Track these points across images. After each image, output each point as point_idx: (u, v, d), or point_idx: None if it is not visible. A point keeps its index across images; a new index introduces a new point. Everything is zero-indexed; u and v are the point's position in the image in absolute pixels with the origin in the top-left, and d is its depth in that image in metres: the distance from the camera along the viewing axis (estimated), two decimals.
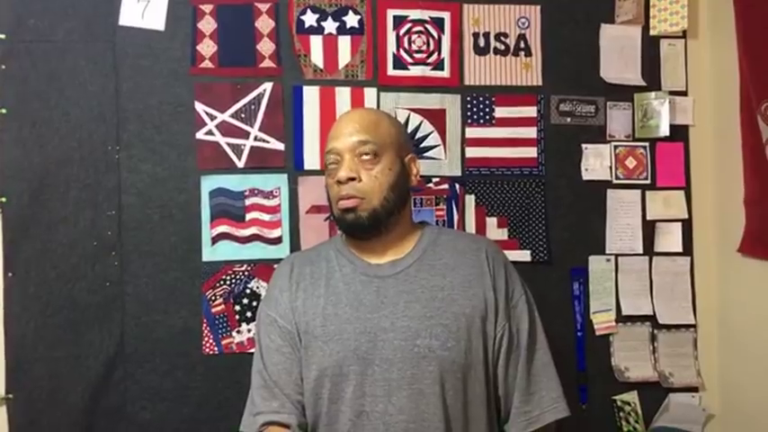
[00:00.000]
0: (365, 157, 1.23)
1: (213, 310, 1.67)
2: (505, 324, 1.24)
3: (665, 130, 1.81)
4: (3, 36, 1.60)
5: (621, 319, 1.80)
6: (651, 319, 1.81)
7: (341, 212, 1.25)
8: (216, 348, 1.66)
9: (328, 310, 1.22)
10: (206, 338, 1.66)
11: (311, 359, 1.21)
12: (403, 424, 1.16)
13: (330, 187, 1.28)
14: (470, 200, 1.77)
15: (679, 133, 1.84)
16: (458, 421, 1.19)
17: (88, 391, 1.60)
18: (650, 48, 1.85)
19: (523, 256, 1.77)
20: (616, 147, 1.83)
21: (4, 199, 1.59)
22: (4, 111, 1.59)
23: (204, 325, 1.66)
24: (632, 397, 1.78)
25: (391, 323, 1.19)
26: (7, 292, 1.59)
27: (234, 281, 1.68)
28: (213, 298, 1.67)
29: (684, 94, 1.85)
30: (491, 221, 1.78)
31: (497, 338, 1.24)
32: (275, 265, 1.66)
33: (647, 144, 1.84)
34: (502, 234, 1.78)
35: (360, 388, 1.17)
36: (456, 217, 1.76)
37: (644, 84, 1.83)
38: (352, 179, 1.22)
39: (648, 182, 1.83)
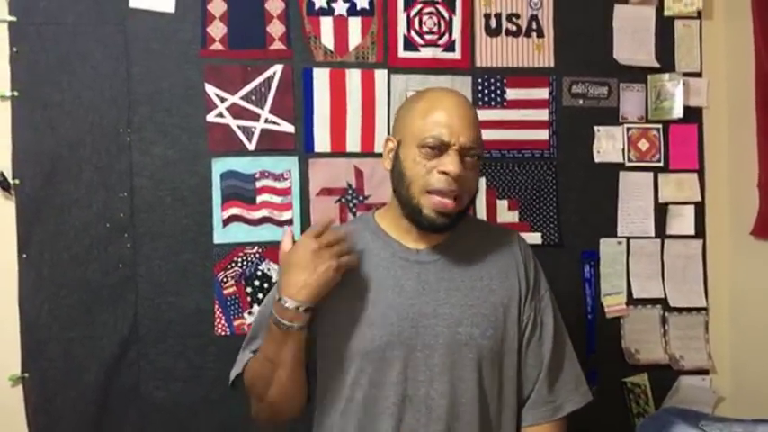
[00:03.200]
0: (470, 160, 1.18)
1: (225, 291, 1.68)
2: (531, 313, 1.26)
3: (678, 112, 1.79)
4: (14, 19, 1.60)
5: (632, 301, 1.80)
6: (662, 302, 1.81)
7: (432, 211, 1.17)
8: (228, 329, 1.68)
9: (369, 295, 1.21)
10: (218, 319, 1.67)
11: (351, 343, 1.20)
12: (444, 407, 1.17)
13: (419, 167, 1.17)
14: (481, 182, 1.77)
15: (693, 115, 1.82)
16: (493, 405, 1.21)
17: (102, 370, 1.62)
18: (664, 28, 1.83)
19: (534, 238, 1.76)
20: (629, 129, 1.81)
21: (17, 181, 1.60)
22: (15, 93, 1.60)
23: (216, 306, 1.68)
24: (642, 379, 1.79)
25: (433, 309, 1.19)
26: (21, 273, 1.60)
27: (245, 263, 1.69)
28: (225, 280, 1.68)
29: (699, 75, 1.83)
30: (502, 204, 1.78)
31: (523, 326, 1.25)
32: None
33: (660, 126, 1.82)
34: (513, 217, 1.77)
35: (403, 373, 1.18)
36: None
37: (657, 65, 1.82)
38: (461, 176, 1.16)
39: (661, 164, 1.82)
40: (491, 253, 1.27)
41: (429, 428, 1.17)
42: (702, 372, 1.82)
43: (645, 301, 1.81)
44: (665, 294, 1.81)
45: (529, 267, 1.28)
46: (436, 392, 1.18)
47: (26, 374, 1.60)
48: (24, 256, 1.60)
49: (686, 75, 1.81)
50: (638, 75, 1.81)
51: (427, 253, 1.24)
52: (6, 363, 1.59)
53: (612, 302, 1.79)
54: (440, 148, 1.16)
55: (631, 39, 1.81)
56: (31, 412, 1.60)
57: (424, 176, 1.17)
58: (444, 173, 1.15)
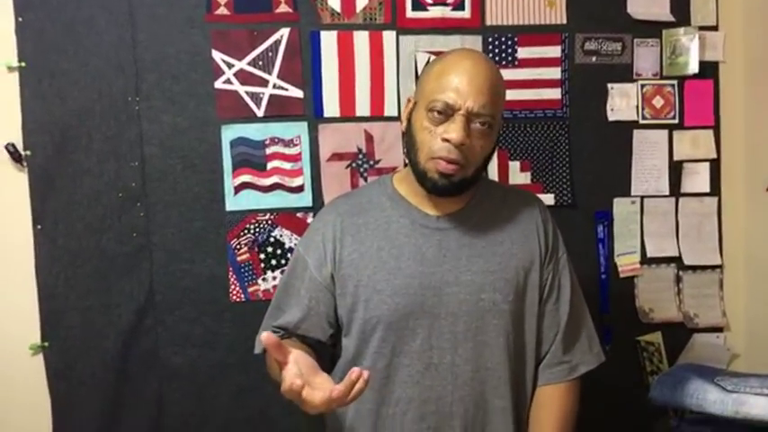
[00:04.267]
0: (479, 127, 1.14)
1: (238, 258, 1.69)
2: (549, 276, 1.26)
3: (694, 68, 1.75)
4: None
5: (646, 260, 1.80)
6: (676, 260, 1.80)
7: (435, 173, 1.15)
8: (242, 296, 1.69)
9: (391, 264, 1.20)
10: (232, 286, 1.69)
11: (372, 312, 1.20)
12: (470, 373, 1.19)
13: (426, 132, 1.15)
14: None
15: (709, 70, 1.79)
16: (516, 368, 1.23)
17: (120, 338, 1.64)
18: None
19: (547, 199, 1.75)
20: (643, 86, 1.78)
21: (28, 152, 1.60)
22: (23, 64, 1.59)
23: (230, 273, 1.69)
24: (656, 337, 1.79)
25: (455, 277, 1.19)
26: (37, 244, 1.62)
27: (258, 230, 1.70)
28: (238, 247, 1.69)
29: (715, 28, 1.79)
30: (514, 165, 1.76)
31: (541, 289, 1.26)
32: (298, 214, 1.68)
33: (675, 82, 1.79)
34: (525, 178, 1.76)
35: (427, 341, 1.19)
36: None
37: (672, 19, 1.77)
38: (464, 144, 1.13)
39: (676, 121, 1.79)
40: (511, 217, 1.26)
41: (455, 395, 1.19)
42: (717, 329, 1.82)
43: (659, 260, 1.80)
44: (680, 253, 1.80)
45: (548, 230, 1.28)
46: (461, 359, 1.19)
47: (46, 343, 1.62)
48: (39, 227, 1.61)
49: (702, 28, 1.77)
50: (652, 30, 1.77)
51: (447, 219, 1.23)
52: (26, 332, 1.62)
53: (626, 262, 1.79)
54: (446, 113, 1.13)
55: None
56: (51, 380, 1.63)
57: (430, 142, 1.15)
58: (446, 140, 1.13)
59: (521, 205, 1.29)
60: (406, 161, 1.31)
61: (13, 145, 1.60)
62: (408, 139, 1.21)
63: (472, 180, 1.20)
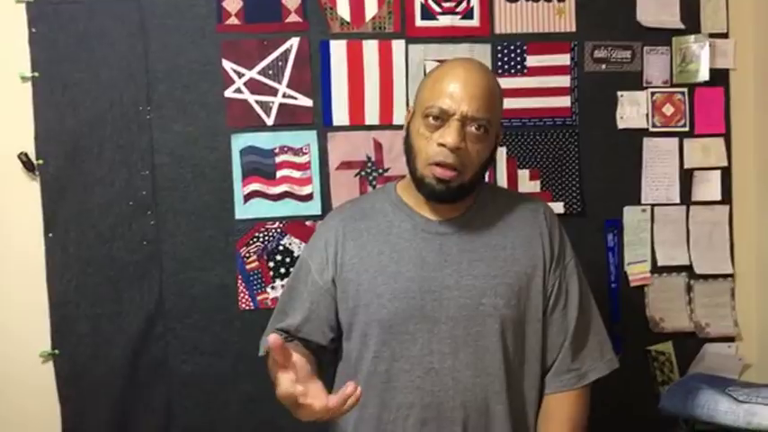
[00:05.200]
0: (474, 131, 1.16)
1: (248, 266, 1.69)
2: (555, 282, 1.25)
3: (704, 75, 1.74)
4: None
5: (657, 269, 1.78)
6: (687, 269, 1.79)
7: (433, 179, 1.17)
8: (251, 304, 1.69)
9: (391, 268, 1.21)
10: (241, 294, 1.69)
11: (372, 316, 1.20)
12: (470, 378, 1.18)
13: (423, 140, 1.17)
14: (501, 152, 1.75)
15: (719, 78, 1.78)
16: (517, 374, 1.22)
17: (130, 345, 1.65)
18: None
19: (557, 207, 1.74)
20: (653, 93, 1.77)
21: (41, 161, 1.62)
22: (36, 74, 1.61)
23: (239, 281, 1.69)
24: (667, 347, 1.78)
25: (456, 281, 1.19)
26: (48, 252, 1.63)
27: (267, 238, 1.70)
28: (247, 255, 1.69)
29: (725, 36, 1.78)
30: (523, 173, 1.76)
31: (548, 295, 1.25)
32: (307, 222, 1.69)
33: (685, 90, 1.78)
34: (534, 186, 1.75)
35: (427, 346, 1.18)
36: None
37: (683, 26, 1.76)
38: (459, 149, 1.15)
39: (686, 129, 1.78)
40: (514, 221, 1.26)
41: (456, 400, 1.18)
42: (728, 339, 1.80)
43: (670, 269, 1.79)
44: (691, 262, 1.79)
45: (554, 235, 1.27)
46: (461, 364, 1.18)
47: (56, 351, 1.63)
48: (50, 235, 1.63)
49: (712, 36, 1.76)
50: (662, 37, 1.77)
51: (449, 224, 1.24)
52: (37, 340, 1.63)
53: (636, 271, 1.78)
54: (442, 119, 1.15)
55: (655, 0, 1.76)
56: (62, 387, 1.64)
57: (426, 148, 1.17)
58: (442, 145, 1.14)
59: (526, 210, 1.28)
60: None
61: (25, 154, 1.61)
62: (407, 146, 1.23)
63: (470, 186, 1.20)
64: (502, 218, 1.26)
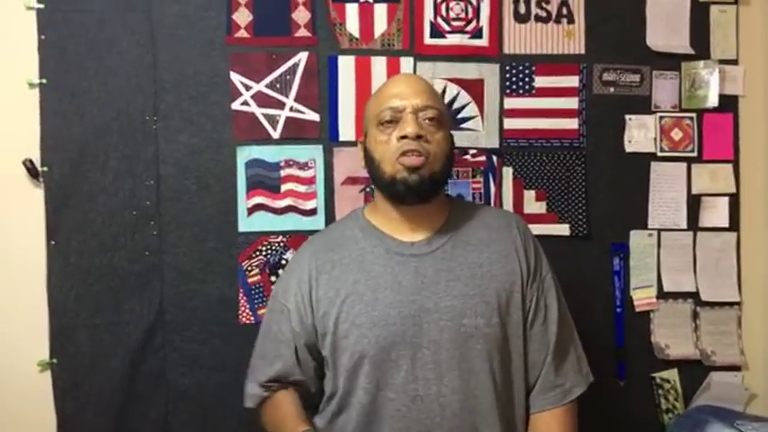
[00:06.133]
0: (429, 122, 1.19)
1: (249, 280, 1.68)
2: (533, 297, 1.23)
3: (713, 101, 1.74)
4: (41, 6, 1.61)
5: (663, 295, 1.76)
6: (694, 295, 1.77)
7: (404, 171, 1.17)
8: (252, 318, 1.68)
9: (368, 296, 1.19)
10: (242, 308, 1.68)
11: (353, 347, 1.18)
12: (457, 403, 1.15)
13: (383, 145, 1.20)
14: (508, 172, 1.74)
15: (728, 104, 1.77)
16: (504, 393, 1.20)
17: (129, 357, 1.63)
18: (699, 14, 1.77)
19: (562, 230, 1.73)
20: (661, 118, 1.76)
21: (45, 168, 1.61)
22: (44, 81, 1.61)
23: (241, 294, 1.68)
24: (672, 374, 1.75)
25: (434, 304, 1.17)
26: (50, 260, 1.62)
27: (269, 252, 1.69)
28: (249, 268, 1.68)
29: (735, 62, 1.78)
30: (529, 194, 1.75)
31: (526, 310, 1.23)
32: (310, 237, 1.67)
33: (694, 115, 1.77)
34: (540, 207, 1.74)
35: (411, 372, 1.16)
36: (493, 190, 1.73)
37: (692, 52, 1.76)
38: (420, 137, 1.17)
39: (695, 154, 1.77)
40: (489, 237, 1.25)
41: (443, 427, 1.15)
42: (734, 368, 1.77)
43: (676, 295, 1.76)
44: (697, 288, 1.77)
45: (529, 249, 1.26)
46: (447, 389, 1.15)
47: (54, 360, 1.62)
48: (53, 242, 1.62)
49: (722, 62, 1.76)
50: (671, 62, 1.76)
51: (423, 244, 1.22)
52: (35, 348, 1.61)
53: (642, 296, 1.75)
54: (396, 119, 1.19)
55: (665, 25, 1.76)
56: (58, 397, 1.62)
57: (388, 149, 1.19)
58: (404, 136, 1.17)
59: (499, 225, 1.27)
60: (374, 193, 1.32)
61: (30, 161, 1.61)
62: (369, 165, 1.25)
63: (440, 179, 1.22)
64: (475, 234, 1.25)
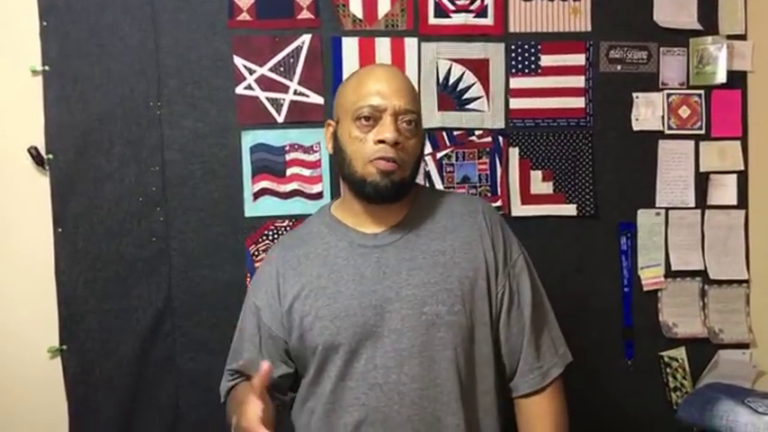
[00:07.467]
0: (407, 126, 1.18)
1: (257, 264, 1.68)
2: (505, 282, 1.23)
3: (721, 77, 1.72)
4: None
5: (671, 274, 1.76)
6: (702, 274, 1.77)
7: (377, 174, 1.16)
8: None
9: (330, 289, 1.19)
10: None
11: (317, 339, 1.18)
12: (417, 392, 1.15)
13: (357, 143, 1.18)
14: (514, 153, 1.73)
15: (737, 80, 1.75)
16: (468, 382, 1.19)
17: (138, 342, 1.64)
18: None
19: (569, 210, 1.72)
20: (669, 95, 1.75)
21: (51, 156, 1.61)
22: (47, 68, 1.60)
23: (248, 279, 1.68)
24: (680, 353, 1.75)
25: (396, 293, 1.17)
26: (57, 247, 1.62)
27: (276, 236, 1.69)
28: (256, 253, 1.68)
29: (743, 38, 1.76)
30: (535, 175, 1.74)
31: (498, 297, 1.22)
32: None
33: (702, 92, 1.75)
34: (547, 188, 1.73)
35: (371, 361, 1.16)
36: (499, 170, 1.72)
37: (700, 28, 1.74)
38: (398, 143, 1.16)
39: (703, 132, 1.76)
40: (453, 224, 1.24)
41: (402, 415, 1.15)
42: (742, 345, 1.77)
43: (684, 274, 1.76)
44: (705, 266, 1.76)
45: (496, 235, 1.24)
46: (407, 377, 1.15)
47: (64, 346, 1.63)
48: (60, 230, 1.62)
49: (730, 38, 1.73)
50: (679, 38, 1.74)
51: (385, 235, 1.22)
52: (45, 335, 1.62)
53: (650, 275, 1.75)
54: (375, 117, 1.17)
55: (672, 0, 1.73)
56: (69, 383, 1.63)
57: (363, 149, 1.17)
58: (381, 141, 1.15)
59: (463, 212, 1.26)
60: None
61: (35, 148, 1.61)
62: (338, 156, 1.23)
63: (410, 182, 1.21)
64: (440, 222, 1.24)
